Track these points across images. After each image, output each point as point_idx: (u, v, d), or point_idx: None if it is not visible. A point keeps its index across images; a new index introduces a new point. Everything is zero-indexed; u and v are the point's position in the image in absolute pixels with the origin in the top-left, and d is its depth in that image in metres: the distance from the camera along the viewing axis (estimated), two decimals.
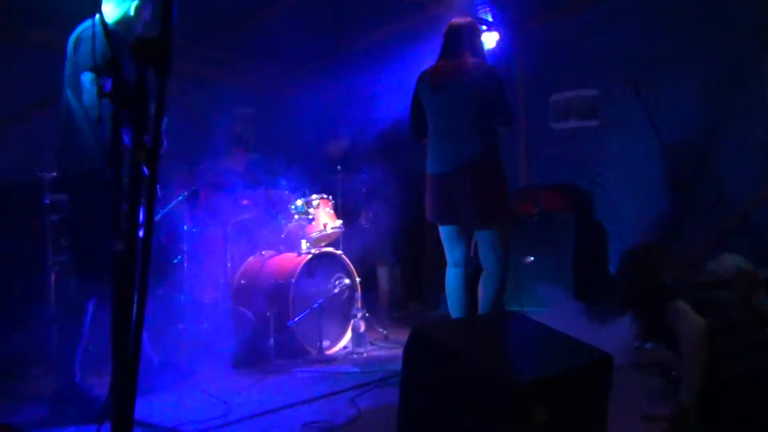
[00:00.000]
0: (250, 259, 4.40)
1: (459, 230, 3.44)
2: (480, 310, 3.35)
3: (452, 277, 3.47)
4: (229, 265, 4.18)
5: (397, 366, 3.03)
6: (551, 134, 5.83)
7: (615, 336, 4.13)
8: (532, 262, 4.99)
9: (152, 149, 1.00)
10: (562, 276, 4.80)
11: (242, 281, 4.22)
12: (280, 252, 4.36)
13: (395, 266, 5.76)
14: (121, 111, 1.14)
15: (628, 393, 2.58)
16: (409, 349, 2.06)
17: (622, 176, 5.40)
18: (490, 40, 5.22)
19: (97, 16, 2.40)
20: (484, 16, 5.45)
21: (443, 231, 3.51)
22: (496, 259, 3.34)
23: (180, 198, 4.14)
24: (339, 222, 4.55)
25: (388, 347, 4.27)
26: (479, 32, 3.56)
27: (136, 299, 1.05)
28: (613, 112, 5.39)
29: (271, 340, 3.79)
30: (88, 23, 2.67)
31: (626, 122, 5.20)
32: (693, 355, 2.24)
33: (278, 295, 3.96)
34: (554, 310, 4.13)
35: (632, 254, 2.74)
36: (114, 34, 2.66)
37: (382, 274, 5.74)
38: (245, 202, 4.28)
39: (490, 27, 5.37)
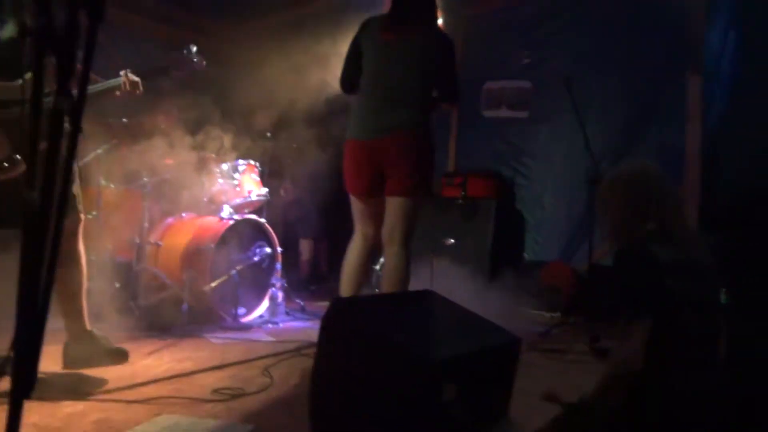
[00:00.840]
0: (169, 219, 4.28)
1: (378, 203, 3.16)
2: (385, 289, 3.08)
3: (358, 251, 3.20)
4: (146, 224, 4.06)
5: (313, 337, 3.04)
6: (482, 121, 5.95)
7: (524, 319, 4.32)
8: (452, 244, 5.09)
9: (78, 99, 0.95)
10: (480, 259, 4.94)
11: (159, 242, 4.10)
12: (201, 215, 4.27)
13: (319, 239, 5.76)
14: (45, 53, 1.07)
15: (530, 374, 2.70)
16: (327, 321, 2.07)
17: (545, 169, 5.59)
18: None
19: None
20: None
21: (360, 202, 3.23)
22: (405, 231, 3.06)
23: (99, 150, 3.97)
24: (264, 190, 4.48)
25: (305, 318, 4.27)
26: None
27: (48, 253, 1.01)
28: (542, 105, 5.56)
29: (185, 305, 3.72)
30: None
31: (554, 116, 5.38)
32: (616, 376, 2.03)
33: (196, 259, 3.88)
34: (469, 292, 4.23)
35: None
36: None
37: (304, 246, 5.72)
38: (168, 161, 4.14)
39: None
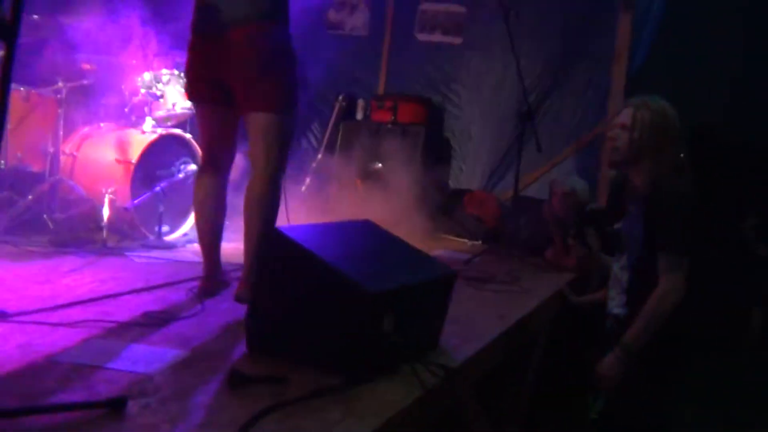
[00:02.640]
0: (86, 129, 4.02)
1: (225, 114, 2.63)
2: (247, 228, 2.57)
3: (207, 184, 2.70)
4: (60, 133, 3.80)
5: (239, 258, 2.98)
6: (415, 44, 5.86)
7: (446, 247, 4.44)
8: (380, 168, 5.10)
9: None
10: (407, 185, 4.97)
11: (75, 153, 3.86)
12: (120, 127, 4.04)
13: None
14: None
15: (458, 301, 2.77)
16: (264, 249, 2.05)
17: (474, 97, 5.62)
18: None
19: None
20: None
21: (202, 113, 2.68)
22: (265, 153, 2.53)
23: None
24: (190, 103, 4.27)
25: (232, 239, 4.17)
26: None
27: None
28: (477, 32, 5.52)
29: (106, 220, 3.56)
30: None
31: (488, 45, 5.36)
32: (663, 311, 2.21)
33: (116, 173, 3.70)
34: (395, 217, 4.25)
35: None
36: None
37: (235, 162, 5.55)
38: (86, 65, 3.85)
39: None
